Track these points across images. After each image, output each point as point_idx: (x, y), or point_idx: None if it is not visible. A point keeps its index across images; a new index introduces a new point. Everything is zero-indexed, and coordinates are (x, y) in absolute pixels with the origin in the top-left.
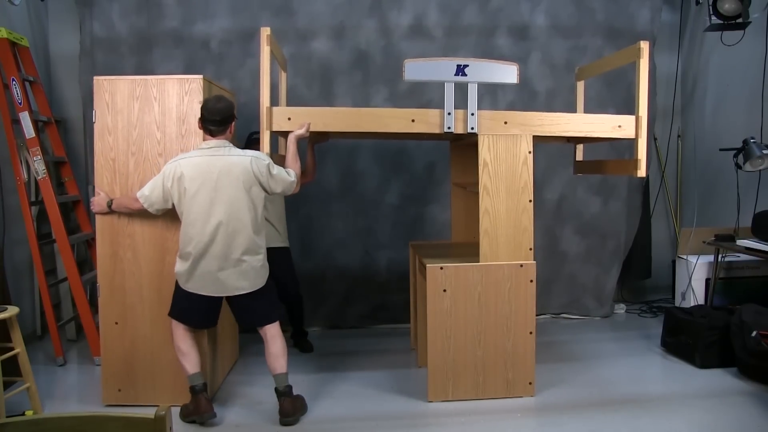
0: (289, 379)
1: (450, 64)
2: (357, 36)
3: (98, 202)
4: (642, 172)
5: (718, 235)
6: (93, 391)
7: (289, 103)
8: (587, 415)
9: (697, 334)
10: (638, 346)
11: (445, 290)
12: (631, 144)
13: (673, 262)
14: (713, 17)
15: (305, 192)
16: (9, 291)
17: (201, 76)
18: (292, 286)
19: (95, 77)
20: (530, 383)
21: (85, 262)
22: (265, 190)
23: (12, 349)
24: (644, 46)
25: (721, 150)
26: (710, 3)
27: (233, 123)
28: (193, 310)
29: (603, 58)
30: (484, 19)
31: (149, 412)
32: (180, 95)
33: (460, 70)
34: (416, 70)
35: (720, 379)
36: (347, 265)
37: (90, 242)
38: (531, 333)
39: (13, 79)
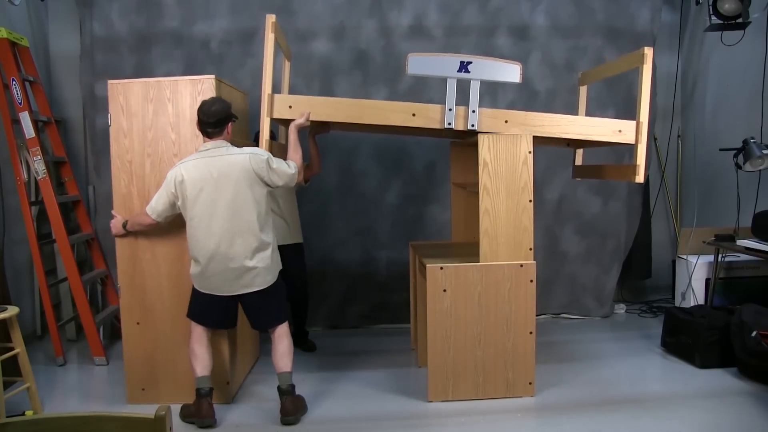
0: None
1: (454, 60)
2: (357, 36)
3: (114, 224)
4: (640, 178)
5: (718, 235)
6: (94, 391)
7: None
8: (587, 415)
9: (697, 334)
10: (638, 346)
11: (445, 290)
12: (631, 147)
13: (673, 262)
14: (713, 17)
15: (306, 192)
16: (9, 291)
17: (213, 77)
18: (300, 285)
19: (109, 81)
20: (530, 383)
21: (85, 262)
22: (268, 185)
23: (12, 349)
24: (648, 51)
25: (721, 150)
26: (710, 3)
27: (230, 124)
28: (209, 310)
29: (606, 63)
30: (484, 19)
31: (149, 412)
32: (193, 96)
33: (464, 66)
34: (420, 64)
35: (720, 379)
36: (347, 264)
37: (90, 242)
38: (531, 333)
39: (13, 79)
